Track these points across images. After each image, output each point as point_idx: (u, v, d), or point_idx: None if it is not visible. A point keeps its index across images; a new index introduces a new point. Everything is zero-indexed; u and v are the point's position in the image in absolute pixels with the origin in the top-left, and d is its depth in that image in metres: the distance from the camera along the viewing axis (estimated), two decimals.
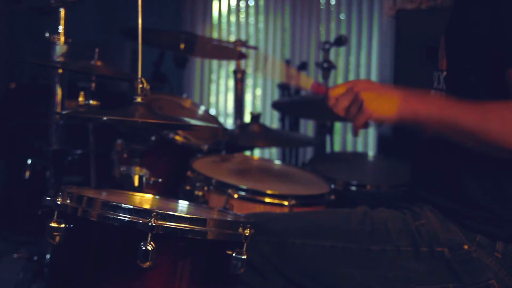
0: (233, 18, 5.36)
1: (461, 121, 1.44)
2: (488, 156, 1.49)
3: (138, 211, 1.38)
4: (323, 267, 1.61)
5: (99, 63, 2.13)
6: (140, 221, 1.36)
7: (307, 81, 1.74)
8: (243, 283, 1.58)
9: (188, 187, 2.30)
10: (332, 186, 2.42)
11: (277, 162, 2.83)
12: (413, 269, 1.55)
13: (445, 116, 1.46)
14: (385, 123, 1.52)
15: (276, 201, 2.18)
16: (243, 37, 5.13)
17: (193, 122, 2.07)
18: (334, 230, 1.63)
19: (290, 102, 3.89)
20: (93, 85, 2.26)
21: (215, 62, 5.45)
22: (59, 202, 1.44)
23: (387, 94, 1.51)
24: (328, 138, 3.76)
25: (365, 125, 1.54)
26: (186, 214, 1.54)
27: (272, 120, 5.16)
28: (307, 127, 4.90)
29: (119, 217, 1.38)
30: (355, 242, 1.59)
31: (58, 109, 2.18)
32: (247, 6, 5.28)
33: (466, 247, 1.53)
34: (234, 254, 1.43)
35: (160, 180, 2.03)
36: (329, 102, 1.57)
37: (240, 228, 1.45)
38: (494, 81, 1.49)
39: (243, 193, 2.20)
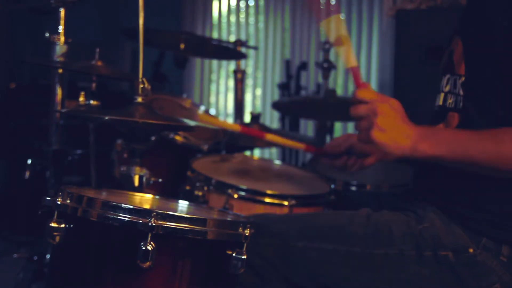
0: (233, 18, 5.36)
1: (476, 157, 1.42)
2: None
3: (138, 211, 1.38)
4: (326, 270, 1.59)
5: (99, 63, 2.13)
6: (140, 221, 1.36)
7: None
8: (242, 285, 1.57)
9: (188, 187, 2.30)
10: (332, 186, 2.42)
11: (277, 162, 2.83)
12: (417, 273, 1.54)
13: (459, 156, 1.43)
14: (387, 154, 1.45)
15: (276, 201, 2.18)
16: (243, 37, 5.13)
17: (193, 122, 2.07)
18: (336, 233, 1.61)
19: (290, 102, 3.89)
20: (94, 85, 2.26)
21: (215, 62, 5.45)
22: (59, 202, 1.43)
23: (401, 131, 1.43)
24: (328, 138, 3.76)
25: (367, 142, 1.45)
26: (186, 214, 1.54)
27: (272, 120, 5.15)
28: (307, 127, 4.90)
29: (119, 217, 1.38)
30: (358, 245, 1.57)
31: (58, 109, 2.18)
32: (247, 6, 5.28)
33: (471, 250, 1.51)
34: (234, 254, 1.43)
35: (160, 180, 2.03)
36: (353, 96, 1.48)
37: (240, 228, 1.45)
38: None
39: (243, 193, 2.20)
